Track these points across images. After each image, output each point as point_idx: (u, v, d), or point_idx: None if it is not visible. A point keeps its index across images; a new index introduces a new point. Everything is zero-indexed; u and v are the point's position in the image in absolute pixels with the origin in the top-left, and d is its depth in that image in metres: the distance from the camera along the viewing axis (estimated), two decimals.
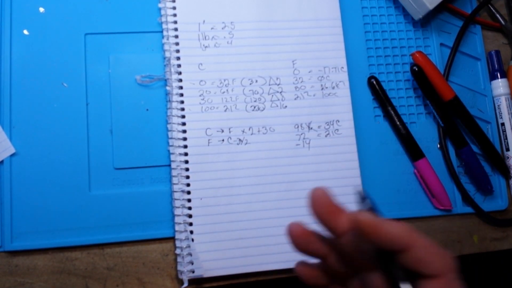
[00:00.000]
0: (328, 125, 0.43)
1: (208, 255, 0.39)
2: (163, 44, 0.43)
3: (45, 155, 0.40)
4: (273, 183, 0.41)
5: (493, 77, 0.48)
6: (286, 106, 0.43)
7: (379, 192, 0.44)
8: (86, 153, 0.40)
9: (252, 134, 0.42)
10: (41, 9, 0.42)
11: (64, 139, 0.40)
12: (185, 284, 0.38)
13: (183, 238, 0.39)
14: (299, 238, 0.27)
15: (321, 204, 0.25)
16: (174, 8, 0.43)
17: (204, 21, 0.43)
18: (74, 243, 0.39)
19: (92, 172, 0.40)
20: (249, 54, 0.43)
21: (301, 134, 0.43)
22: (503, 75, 0.48)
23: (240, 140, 0.42)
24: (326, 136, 0.43)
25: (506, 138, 0.47)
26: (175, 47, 0.42)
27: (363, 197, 0.26)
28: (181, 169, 0.40)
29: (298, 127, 0.43)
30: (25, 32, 0.41)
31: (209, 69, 0.42)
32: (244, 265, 0.40)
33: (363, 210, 0.25)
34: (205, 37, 0.43)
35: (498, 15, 0.50)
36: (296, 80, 0.43)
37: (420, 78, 0.44)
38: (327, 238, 0.27)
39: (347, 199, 0.42)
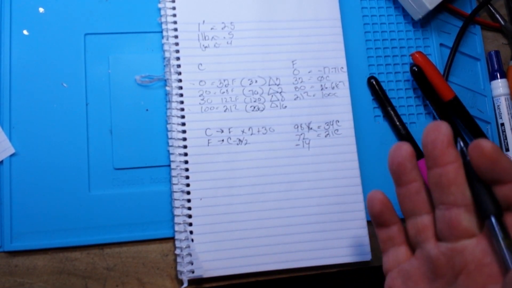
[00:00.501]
0: (328, 125, 0.43)
1: (208, 255, 0.39)
2: (162, 44, 0.43)
3: (45, 155, 0.40)
4: (273, 183, 0.41)
5: (492, 77, 0.48)
6: (286, 106, 0.43)
7: None
8: (86, 153, 0.40)
9: (252, 134, 0.42)
10: (41, 9, 0.42)
11: (63, 139, 0.40)
12: (185, 284, 0.38)
13: (183, 238, 0.39)
14: (379, 203, 0.30)
15: (442, 132, 0.26)
16: (174, 8, 0.43)
17: (204, 21, 0.43)
18: (74, 243, 0.39)
19: (92, 172, 0.40)
20: (249, 54, 0.43)
21: (301, 134, 0.43)
22: (503, 76, 0.48)
23: (240, 140, 0.42)
24: (326, 136, 0.43)
25: (506, 138, 0.47)
26: (174, 47, 0.42)
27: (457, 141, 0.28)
28: (181, 169, 0.40)
29: (298, 127, 0.43)
30: (25, 32, 0.41)
31: (209, 69, 0.42)
32: (244, 265, 0.40)
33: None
34: (205, 37, 0.43)
35: (498, 15, 0.50)
36: (296, 80, 0.43)
37: (420, 78, 0.44)
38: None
39: (348, 199, 0.42)
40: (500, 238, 0.24)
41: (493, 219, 0.25)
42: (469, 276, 0.25)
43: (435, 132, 0.26)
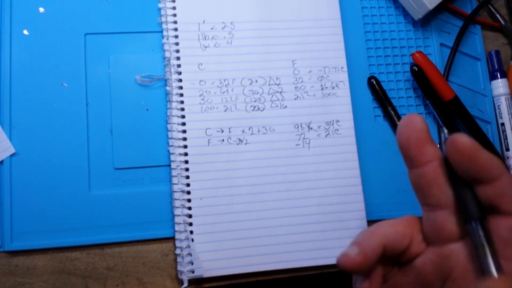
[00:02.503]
0: (328, 125, 0.43)
1: (208, 255, 0.39)
2: (163, 44, 0.43)
3: (45, 155, 0.40)
4: (273, 183, 0.41)
5: (493, 77, 0.48)
6: (286, 106, 0.43)
7: (379, 192, 0.44)
8: (86, 153, 0.40)
9: (252, 134, 0.42)
10: (41, 9, 0.42)
11: (64, 139, 0.40)
12: (185, 284, 0.38)
13: (183, 238, 0.39)
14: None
15: (414, 128, 0.24)
16: (174, 8, 0.43)
17: (204, 21, 0.43)
18: (74, 243, 0.39)
19: (92, 172, 0.40)
20: (249, 54, 0.43)
21: (301, 134, 0.43)
22: (503, 75, 0.48)
23: (240, 140, 0.42)
24: (326, 136, 0.43)
25: (506, 138, 0.47)
26: (175, 47, 0.42)
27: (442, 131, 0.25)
28: (181, 169, 0.40)
29: (298, 127, 0.43)
30: (25, 32, 0.41)
31: (209, 69, 0.42)
32: (244, 265, 0.40)
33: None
34: (205, 37, 0.43)
35: (498, 15, 0.50)
36: (296, 80, 0.43)
37: (420, 78, 0.44)
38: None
39: (348, 199, 0.42)
40: (479, 245, 0.22)
41: (473, 225, 0.22)
42: (455, 283, 0.23)
43: (409, 129, 0.24)
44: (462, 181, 0.23)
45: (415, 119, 0.24)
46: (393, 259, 0.26)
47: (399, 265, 0.26)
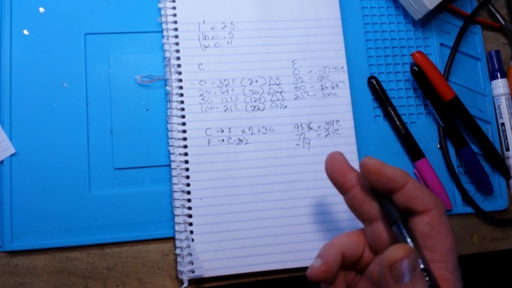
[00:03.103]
0: (328, 125, 0.43)
1: (208, 255, 0.39)
2: (163, 44, 0.43)
3: (45, 155, 0.40)
4: (273, 183, 0.41)
5: (493, 77, 0.48)
6: (286, 106, 0.43)
7: None
8: (86, 153, 0.40)
9: (252, 134, 0.42)
10: (41, 9, 0.42)
11: (64, 139, 0.40)
12: (185, 284, 0.38)
13: (183, 238, 0.39)
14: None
15: (336, 162, 0.30)
16: (174, 8, 0.43)
17: (204, 21, 0.43)
18: (74, 243, 0.39)
19: (92, 172, 0.40)
20: (249, 54, 0.43)
21: (301, 134, 0.43)
22: (503, 75, 0.48)
23: (240, 140, 0.42)
24: (326, 136, 0.43)
25: (506, 138, 0.47)
26: (175, 47, 0.42)
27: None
28: (181, 169, 0.40)
29: (298, 127, 0.43)
30: (25, 32, 0.41)
31: (209, 69, 0.42)
32: (244, 265, 0.40)
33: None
34: (205, 37, 0.43)
35: (498, 15, 0.50)
36: (296, 80, 0.43)
37: (420, 78, 0.44)
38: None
39: None
40: (403, 242, 0.26)
41: (396, 227, 0.27)
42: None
43: (332, 164, 0.30)
44: (380, 194, 0.28)
45: (335, 155, 0.30)
46: (353, 267, 0.30)
47: (359, 274, 0.30)
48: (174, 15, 0.43)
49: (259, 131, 0.42)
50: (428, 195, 0.27)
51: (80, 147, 0.40)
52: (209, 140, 0.41)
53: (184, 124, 0.41)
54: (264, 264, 0.40)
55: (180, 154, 0.40)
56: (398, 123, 0.44)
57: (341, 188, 0.29)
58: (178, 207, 0.40)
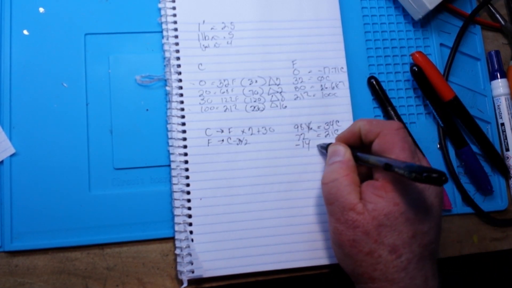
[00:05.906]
0: (327, 125, 0.43)
1: (208, 255, 0.39)
2: (163, 44, 0.43)
3: (45, 155, 0.40)
4: (273, 183, 0.41)
5: (493, 77, 0.48)
6: (286, 106, 0.43)
7: None
8: (86, 153, 0.40)
9: (252, 134, 0.42)
10: (41, 9, 0.42)
11: (64, 139, 0.40)
12: (185, 284, 0.38)
13: (183, 238, 0.39)
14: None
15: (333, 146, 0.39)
16: (174, 8, 0.43)
17: (204, 21, 0.43)
18: (74, 243, 0.39)
19: (92, 172, 0.40)
20: (249, 54, 0.43)
21: (301, 134, 0.43)
22: (503, 75, 0.48)
23: (240, 140, 0.42)
24: (326, 136, 0.43)
25: (506, 138, 0.47)
26: (175, 47, 0.42)
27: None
28: (181, 169, 0.40)
29: (297, 127, 0.43)
30: (25, 32, 0.42)
31: (209, 69, 0.42)
32: (243, 265, 0.40)
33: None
34: (205, 37, 0.43)
35: (498, 15, 0.50)
36: (296, 80, 0.43)
37: (420, 78, 0.44)
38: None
39: None
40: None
41: (359, 161, 0.37)
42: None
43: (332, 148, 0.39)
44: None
45: (337, 147, 0.38)
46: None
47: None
48: (174, 15, 0.43)
49: (258, 131, 0.42)
50: (375, 126, 0.36)
51: (80, 147, 0.40)
52: (208, 140, 0.41)
53: (184, 124, 0.41)
54: (264, 264, 0.40)
55: (180, 154, 0.41)
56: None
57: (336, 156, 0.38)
58: (178, 207, 0.40)
